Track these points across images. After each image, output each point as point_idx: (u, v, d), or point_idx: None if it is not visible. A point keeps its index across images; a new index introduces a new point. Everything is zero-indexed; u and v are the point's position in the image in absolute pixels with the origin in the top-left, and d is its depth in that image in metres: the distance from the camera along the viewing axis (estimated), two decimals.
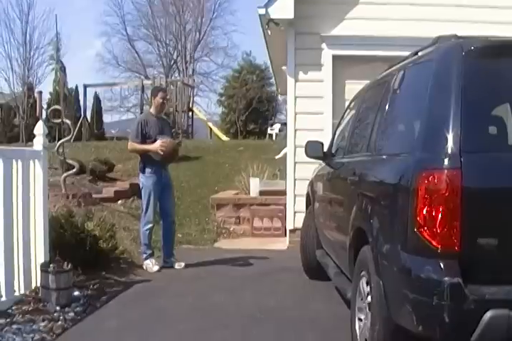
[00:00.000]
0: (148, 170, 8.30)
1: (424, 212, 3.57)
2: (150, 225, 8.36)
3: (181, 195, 13.41)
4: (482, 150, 3.66)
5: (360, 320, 4.57)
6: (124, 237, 9.36)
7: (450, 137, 3.63)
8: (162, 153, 8.11)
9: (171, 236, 8.65)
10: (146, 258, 8.34)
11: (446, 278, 3.42)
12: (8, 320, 5.57)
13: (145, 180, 8.34)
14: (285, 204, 10.56)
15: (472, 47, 3.88)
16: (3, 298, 5.88)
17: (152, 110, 8.60)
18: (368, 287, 4.35)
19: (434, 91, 3.96)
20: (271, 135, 34.89)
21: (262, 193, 11.99)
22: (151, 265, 8.26)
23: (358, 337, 4.56)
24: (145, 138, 8.26)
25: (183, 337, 5.47)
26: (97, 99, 38.29)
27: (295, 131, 10.24)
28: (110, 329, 5.65)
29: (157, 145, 8.14)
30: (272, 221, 11.33)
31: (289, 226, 10.32)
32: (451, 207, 3.49)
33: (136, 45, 51.64)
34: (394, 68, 5.20)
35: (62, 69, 14.02)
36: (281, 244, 10.45)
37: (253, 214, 11.51)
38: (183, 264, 8.45)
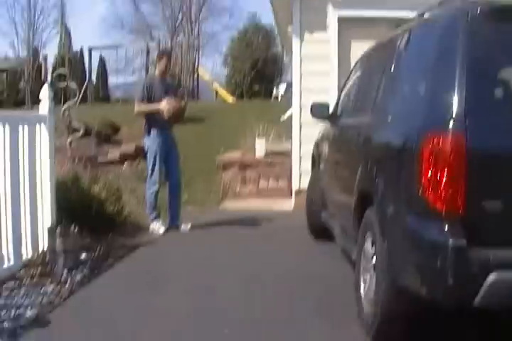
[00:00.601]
0: (153, 132, 8.28)
1: (429, 174, 3.56)
2: (156, 187, 8.37)
3: (187, 157, 13.35)
4: (487, 113, 3.64)
5: (364, 281, 4.60)
6: (130, 200, 9.39)
7: (455, 100, 3.61)
8: (169, 112, 8.10)
9: (177, 198, 8.66)
10: (152, 221, 8.37)
11: (450, 241, 3.42)
12: (16, 283, 5.60)
13: (150, 142, 8.33)
14: (291, 165, 10.54)
15: (478, 10, 3.81)
16: (12, 262, 5.90)
17: (157, 73, 8.58)
18: (373, 248, 4.38)
19: (440, 54, 3.94)
20: (276, 97, 34.75)
21: (267, 154, 11.99)
22: (157, 227, 8.29)
23: (363, 298, 4.59)
24: (150, 100, 8.23)
25: (189, 297, 5.52)
26: (101, 62, 38.16)
27: (301, 91, 10.16)
28: (117, 292, 5.70)
29: (164, 104, 8.12)
30: (278, 181, 11.34)
31: (295, 187, 10.30)
32: (456, 170, 3.48)
33: (141, 7, 51.25)
34: (400, 30, 5.14)
35: (67, 32, 13.95)
36: (287, 204, 10.48)
37: (259, 174, 11.51)
38: (189, 225, 8.47)
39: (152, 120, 8.26)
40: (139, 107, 8.28)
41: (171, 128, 8.54)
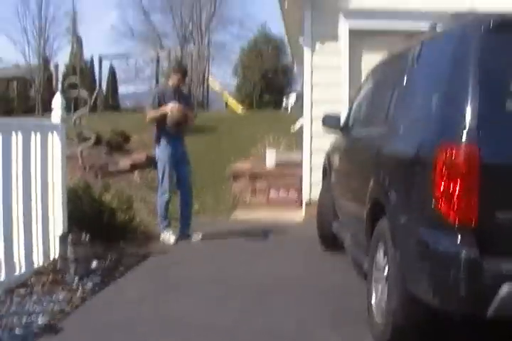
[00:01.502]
0: (163, 141, 8.28)
1: (442, 186, 3.58)
2: (166, 197, 8.38)
3: (198, 166, 13.31)
4: (499, 125, 3.67)
5: (376, 291, 4.60)
6: (140, 209, 9.40)
7: (468, 112, 3.64)
8: (172, 117, 8.10)
9: (188, 207, 8.67)
10: (163, 230, 8.37)
11: (463, 252, 3.43)
12: (28, 290, 5.62)
13: (160, 152, 8.34)
14: (301, 175, 10.53)
15: (491, 23, 3.84)
16: (23, 270, 5.92)
17: (170, 82, 8.63)
18: (385, 259, 4.38)
19: (453, 66, 3.98)
20: (286, 107, 34.76)
21: (278, 164, 11.98)
22: (168, 236, 8.29)
23: (374, 309, 4.59)
24: None
25: (200, 306, 5.53)
26: (112, 71, 38.28)
27: (311, 102, 10.19)
28: (129, 300, 5.71)
29: (169, 107, 8.12)
30: (288, 192, 11.33)
31: (305, 197, 10.31)
32: (469, 182, 3.51)
33: (151, 15, 51.25)
34: (412, 42, 5.17)
35: (79, 41, 14.01)
36: (298, 215, 10.47)
37: (269, 185, 11.51)
38: (200, 235, 8.46)
39: (162, 129, 8.27)
40: (150, 114, 8.32)
41: (183, 138, 8.55)
